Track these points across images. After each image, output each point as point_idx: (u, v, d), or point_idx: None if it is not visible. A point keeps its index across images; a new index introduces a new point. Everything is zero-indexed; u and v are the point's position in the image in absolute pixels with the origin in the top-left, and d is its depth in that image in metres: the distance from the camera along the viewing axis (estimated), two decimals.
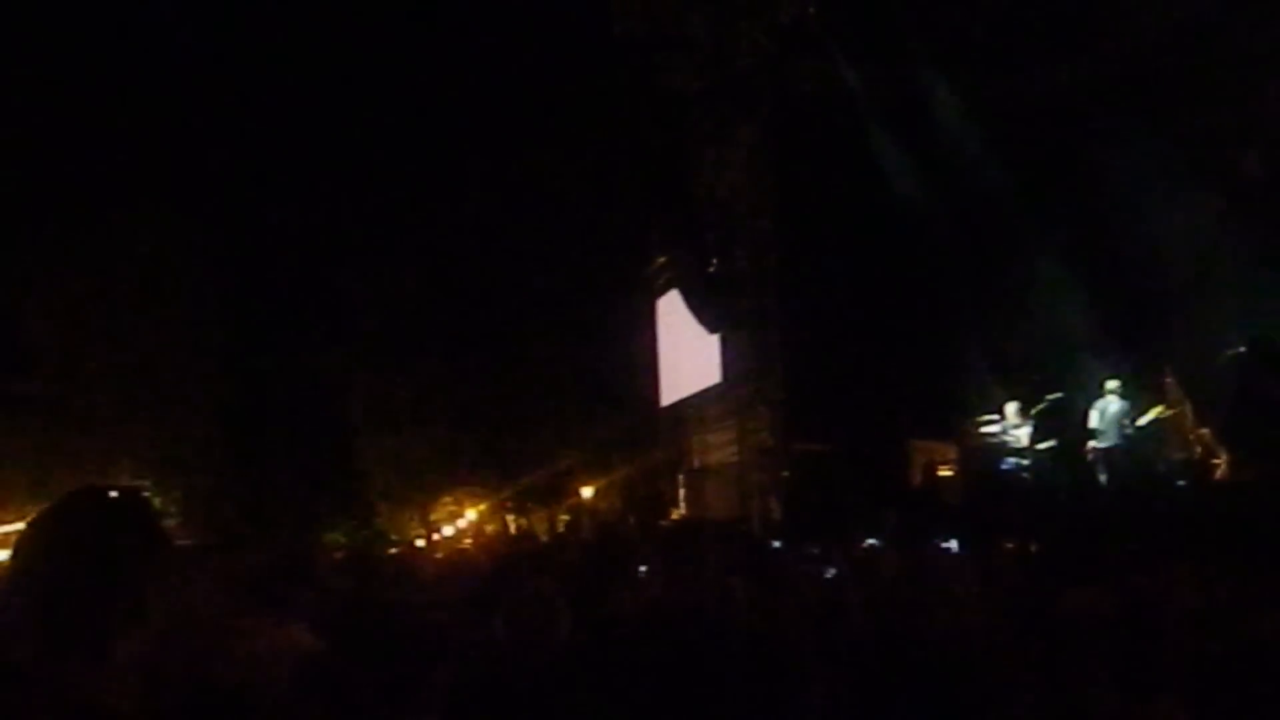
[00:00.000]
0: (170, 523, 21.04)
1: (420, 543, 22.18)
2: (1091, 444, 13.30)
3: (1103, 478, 12.95)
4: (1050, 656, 4.53)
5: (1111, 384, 13.38)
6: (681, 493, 20.57)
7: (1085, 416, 13.55)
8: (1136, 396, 13.32)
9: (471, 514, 25.58)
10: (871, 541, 9.16)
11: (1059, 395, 14.12)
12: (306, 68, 20.98)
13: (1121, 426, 13.16)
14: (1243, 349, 11.05)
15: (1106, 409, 13.28)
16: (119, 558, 2.05)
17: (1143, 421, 13.08)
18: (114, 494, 2.19)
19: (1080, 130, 14.67)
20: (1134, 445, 13.09)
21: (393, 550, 16.50)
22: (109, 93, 20.14)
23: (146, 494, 2.33)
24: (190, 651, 2.48)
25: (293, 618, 3.41)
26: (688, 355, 19.95)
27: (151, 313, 22.51)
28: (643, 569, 6.87)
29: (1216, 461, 12.16)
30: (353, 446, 25.18)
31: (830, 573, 6.38)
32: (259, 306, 23.87)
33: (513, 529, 23.55)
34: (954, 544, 7.94)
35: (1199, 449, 12.49)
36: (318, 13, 20.29)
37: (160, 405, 22.54)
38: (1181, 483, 12.13)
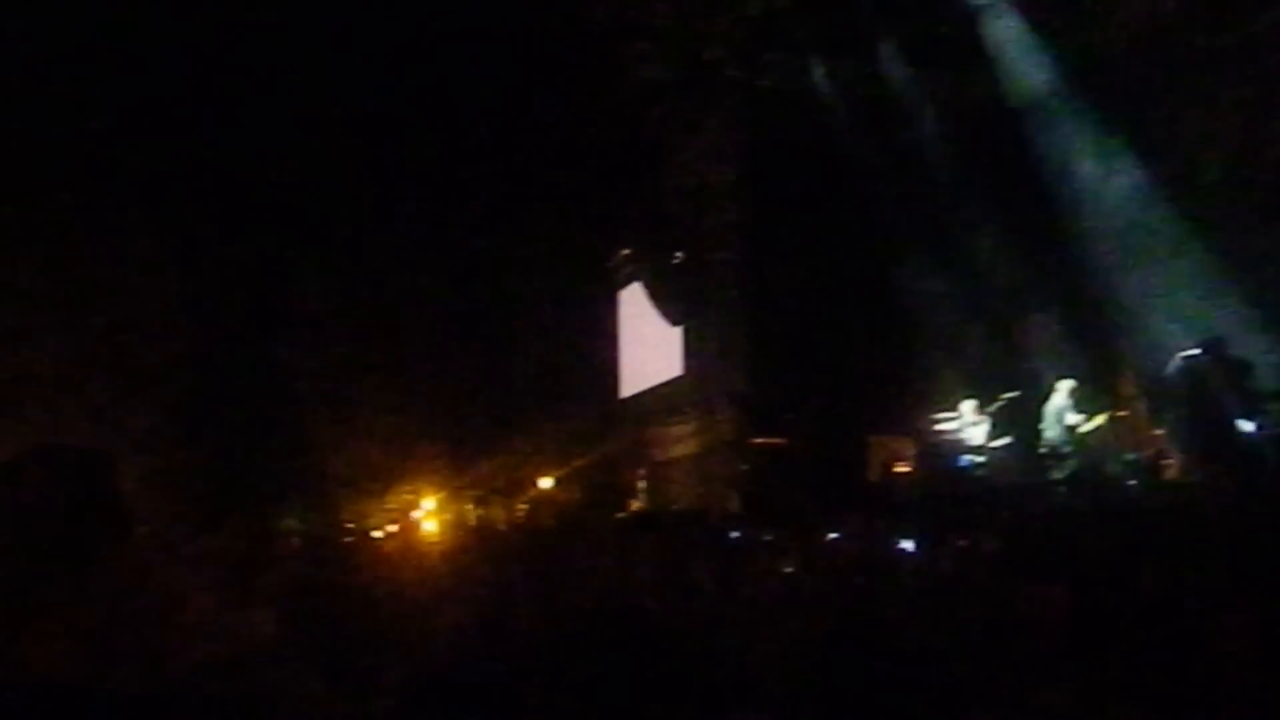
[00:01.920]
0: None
1: (377, 532, 22.05)
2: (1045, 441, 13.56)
3: (1055, 475, 13.14)
4: (1005, 651, 4.59)
5: (1064, 384, 13.62)
6: (641, 484, 20.59)
7: (1040, 415, 13.77)
8: (1083, 400, 13.54)
9: (430, 503, 25.45)
10: (834, 536, 9.22)
11: (1015, 393, 14.31)
12: (264, 52, 20.75)
13: (1061, 422, 13.42)
14: (1196, 350, 11.20)
15: (1052, 406, 13.56)
16: (70, 523, 1.88)
17: (1086, 428, 13.29)
18: (70, 455, 2.00)
19: (1044, 130, 14.82)
20: (1076, 446, 13.32)
21: (348, 539, 16.41)
22: (63, 81, 19.81)
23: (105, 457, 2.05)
24: (146, 628, 2.43)
25: (252, 601, 3.40)
26: (649, 347, 19.97)
27: (106, 294, 22.23)
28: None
29: (1168, 462, 12.34)
30: (309, 434, 24.99)
31: (788, 566, 6.42)
32: (216, 290, 23.62)
33: (471, 519, 23.45)
34: (910, 544, 7.99)
35: (1152, 449, 12.68)
36: None
37: (113, 387, 22.26)
38: (1133, 482, 12.30)
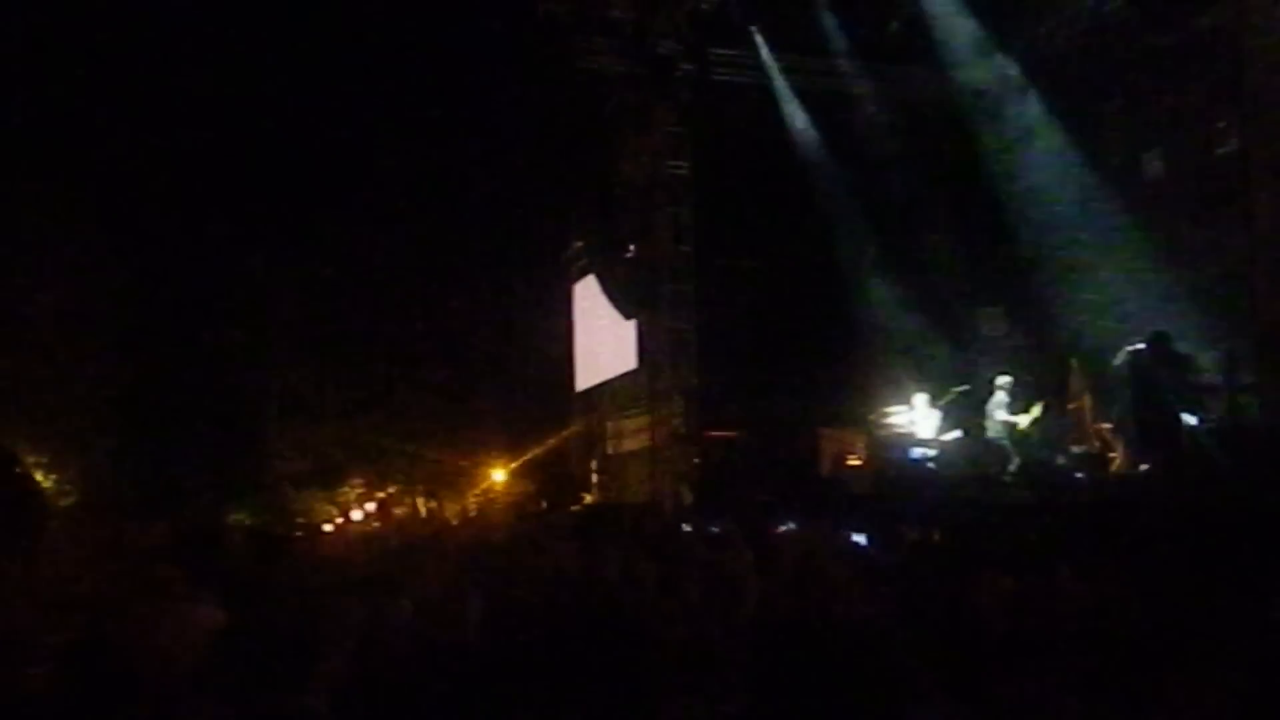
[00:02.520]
0: (69, 500, 20.51)
1: (328, 526, 21.90)
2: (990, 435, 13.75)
3: (996, 469, 13.28)
4: (950, 643, 4.62)
5: (1001, 380, 13.80)
6: (594, 477, 20.59)
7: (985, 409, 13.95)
8: (1021, 394, 13.72)
9: (381, 496, 25.33)
10: (785, 527, 9.27)
11: (965, 387, 14.45)
12: (215, 44, 20.47)
13: (998, 417, 13.64)
14: (1141, 345, 11.35)
15: (992, 402, 13.77)
16: None
17: (1024, 422, 13.45)
18: None
19: (991, 127, 14.97)
20: (1016, 440, 13.48)
21: (298, 533, 16.28)
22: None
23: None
24: (86, 623, 2.40)
25: (201, 594, 3.37)
26: (603, 340, 19.94)
27: (50, 288, 21.85)
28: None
29: (1114, 455, 12.51)
30: (259, 427, 24.76)
31: (735, 557, 6.43)
32: (163, 285, 23.31)
33: (423, 512, 23.37)
34: (861, 536, 8.04)
35: (1098, 443, 12.84)
36: None
37: (58, 381, 21.92)
38: (1080, 475, 12.45)
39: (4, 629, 1.86)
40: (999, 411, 13.64)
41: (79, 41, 19.75)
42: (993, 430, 13.67)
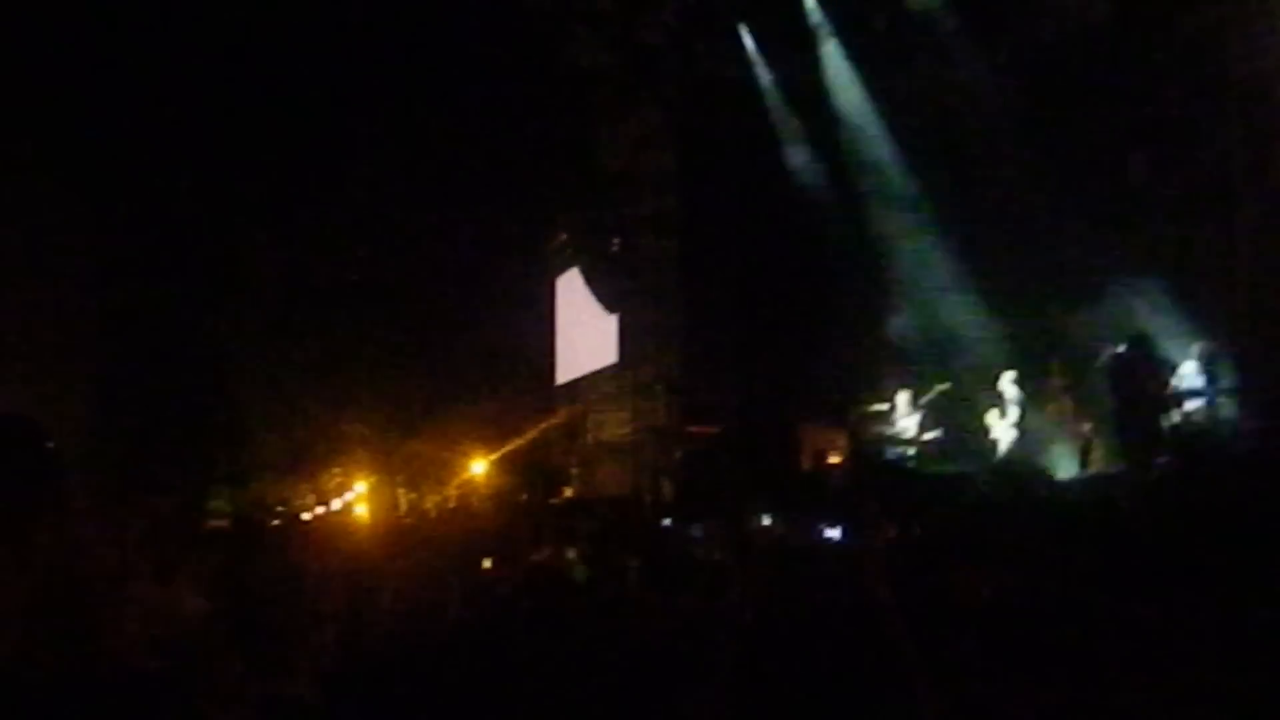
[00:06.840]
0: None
1: (307, 516, 21.78)
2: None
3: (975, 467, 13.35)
4: (930, 638, 4.63)
5: (1008, 374, 13.86)
6: (574, 471, 20.56)
7: (973, 407, 14.00)
8: (1023, 394, 13.79)
9: (361, 487, 25.21)
10: (764, 523, 9.27)
11: (947, 385, 14.49)
12: (192, 25, 20.27)
13: (1008, 413, 13.70)
14: (1123, 348, 11.41)
15: (1003, 401, 13.81)
16: (6, 492, 1.82)
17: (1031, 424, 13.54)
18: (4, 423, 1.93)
19: (974, 127, 14.99)
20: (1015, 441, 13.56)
21: (276, 522, 16.19)
22: None
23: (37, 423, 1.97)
24: (77, 607, 2.37)
25: (180, 582, 3.35)
26: (585, 334, 19.92)
27: (24, 271, 21.62)
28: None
29: (1094, 456, 12.59)
30: (237, 416, 24.60)
31: (716, 552, 6.44)
32: (139, 267, 23.11)
33: (403, 504, 23.28)
34: (836, 531, 8.06)
35: (1080, 441, 12.92)
36: None
37: (33, 365, 21.71)
38: (1062, 475, 12.52)
39: (9, 610, 1.82)
40: (1008, 408, 13.67)
41: (47, 27, 19.52)
42: (995, 428, 13.74)
